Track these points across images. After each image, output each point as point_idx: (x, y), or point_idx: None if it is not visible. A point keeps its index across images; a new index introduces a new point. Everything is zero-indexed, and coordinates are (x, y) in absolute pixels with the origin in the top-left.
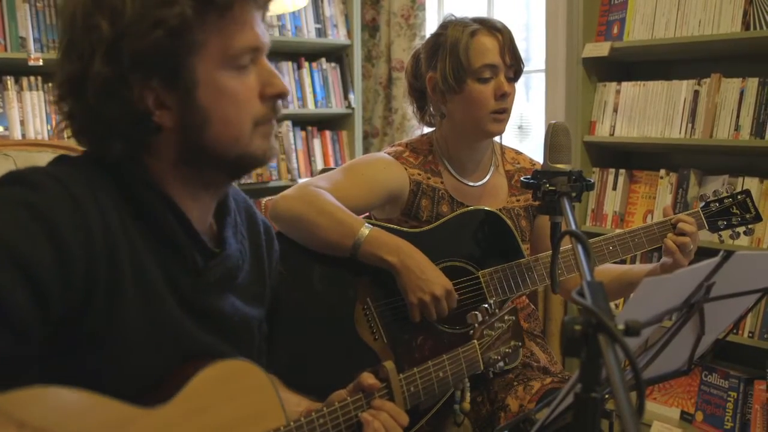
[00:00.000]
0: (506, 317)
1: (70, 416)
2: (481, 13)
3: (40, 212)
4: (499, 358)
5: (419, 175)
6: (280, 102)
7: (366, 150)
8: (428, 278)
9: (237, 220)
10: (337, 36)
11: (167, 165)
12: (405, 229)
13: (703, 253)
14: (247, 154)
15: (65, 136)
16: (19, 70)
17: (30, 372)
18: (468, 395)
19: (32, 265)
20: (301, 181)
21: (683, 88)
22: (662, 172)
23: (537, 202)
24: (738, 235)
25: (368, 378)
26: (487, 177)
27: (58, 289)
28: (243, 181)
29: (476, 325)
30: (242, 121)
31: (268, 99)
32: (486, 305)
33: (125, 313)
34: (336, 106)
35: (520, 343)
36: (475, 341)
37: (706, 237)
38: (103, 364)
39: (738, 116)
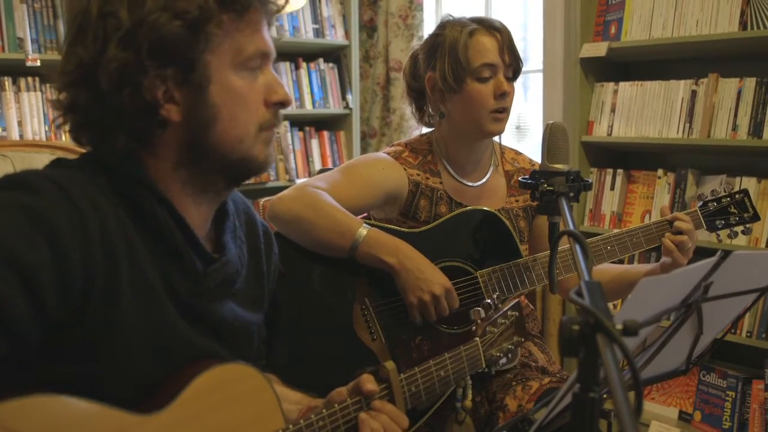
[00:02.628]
0: (509, 313)
1: (68, 427)
2: (479, 13)
3: (39, 216)
4: (501, 354)
5: (418, 175)
6: (281, 110)
7: (364, 150)
8: (427, 278)
9: (236, 224)
10: (335, 36)
11: (168, 166)
12: (403, 229)
13: (701, 252)
14: (249, 158)
15: (63, 132)
16: (16, 70)
17: (27, 377)
18: (470, 393)
19: (30, 268)
20: (299, 181)
21: (681, 88)
22: (660, 171)
23: (535, 203)
24: (736, 234)
25: (367, 382)
26: (486, 177)
27: (56, 293)
28: None
29: (478, 321)
30: (248, 122)
31: (271, 106)
32: (489, 301)
33: (123, 317)
34: (334, 107)
35: (522, 339)
36: (478, 339)
37: (704, 237)
38: (101, 368)
39: (735, 116)
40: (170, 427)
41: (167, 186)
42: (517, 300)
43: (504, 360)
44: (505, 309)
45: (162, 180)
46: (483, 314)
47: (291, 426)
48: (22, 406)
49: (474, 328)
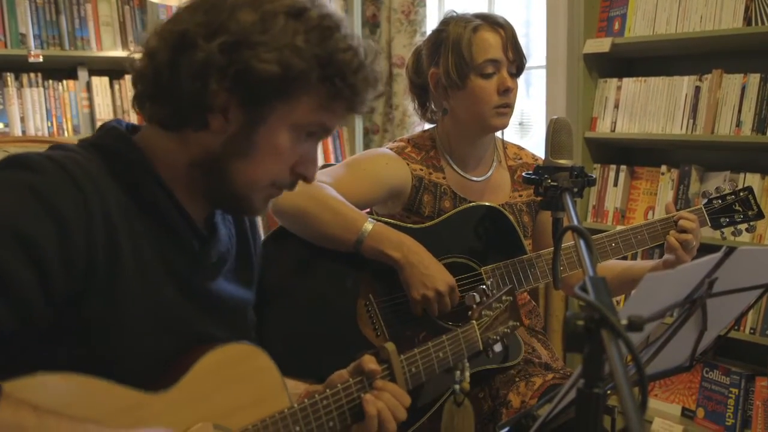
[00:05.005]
0: (504, 297)
1: (79, 401)
2: (482, 9)
3: (45, 196)
4: (498, 338)
5: (421, 170)
6: (297, 183)
7: (366, 147)
8: (431, 274)
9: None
10: None
11: (185, 160)
12: (407, 224)
13: (705, 249)
14: (247, 201)
15: (65, 129)
16: (19, 66)
17: (32, 359)
18: (467, 375)
19: (37, 244)
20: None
21: (684, 84)
22: (663, 168)
23: (539, 198)
24: (740, 231)
25: (369, 362)
26: (490, 172)
27: (61, 269)
28: None
29: (474, 305)
30: (268, 174)
31: (295, 174)
32: (483, 286)
33: (125, 298)
34: None
35: (518, 323)
36: (474, 322)
37: (708, 233)
38: (104, 350)
39: (740, 112)
40: (178, 404)
41: (175, 175)
42: (511, 285)
43: (499, 344)
44: (499, 293)
45: (172, 168)
46: (478, 299)
47: (296, 405)
48: (37, 382)
49: (470, 312)
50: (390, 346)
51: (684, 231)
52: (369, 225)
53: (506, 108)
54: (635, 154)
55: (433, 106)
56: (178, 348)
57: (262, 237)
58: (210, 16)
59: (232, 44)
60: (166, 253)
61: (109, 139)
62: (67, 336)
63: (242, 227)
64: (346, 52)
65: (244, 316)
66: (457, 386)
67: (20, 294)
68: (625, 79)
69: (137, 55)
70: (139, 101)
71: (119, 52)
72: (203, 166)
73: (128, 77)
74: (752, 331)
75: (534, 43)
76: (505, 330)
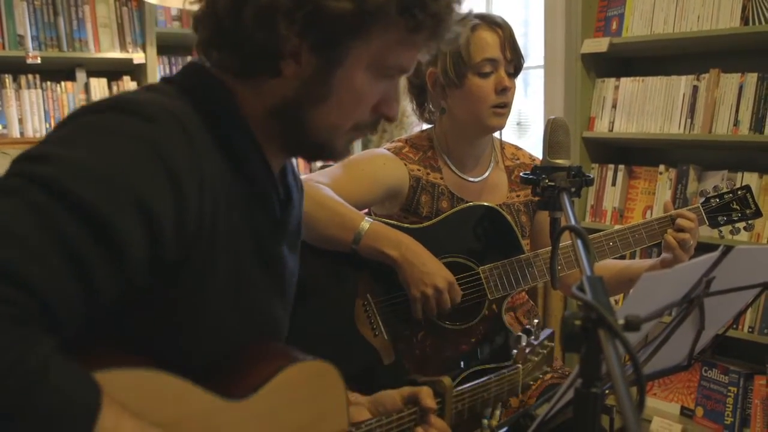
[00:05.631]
0: (546, 343)
1: (162, 403)
2: (480, 9)
3: (162, 153)
4: (533, 383)
5: (419, 170)
6: (382, 121)
7: (365, 147)
8: (430, 271)
9: (292, 165)
10: None
11: (262, 111)
12: (405, 224)
13: (703, 248)
14: (330, 146)
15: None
16: (17, 68)
17: (112, 329)
18: (497, 413)
19: (154, 209)
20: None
21: (682, 83)
22: (661, 167)
23: (537, 198)
24: (738, 230)
25: (428, 398)
26: (487, 173)
27: (173, 234)
28: None
29: (520, 347)
30: (349, 117)
31: (377, 113)
32: (529, 327)
33: (217, 268)
34: None
35: (549, 368)
36: (520, 366)
37: (705, 232)
38: (185, 329)
39: (737, 111)
40: (248, 418)
41: (255, 125)
42: (552, 330)
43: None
44: (543, 338)
45: (252, 118)
46: (525, 341)
47: (353, 429)
48: (126, 378)
49: (515, 353)
50: (447, 381)
51: (681, 230)
52: (366, 224)
53: (503, 108)
54: (633, 154)
55: (431, 106)
56: (252, 333)
57: None
58: None
59: None
60: (253, 222)
61: (199, 81)
62: (149, 311)
63: (300, 187)
64: None
65: (294, 284)
66: (485, 421)
67: (132, 265)
68: (623, 79)
69: None
70: (203, 48)
71: (117, 54)
72: (281, 114)
73: (126, 78)
74: (750, 329)
75: (532, 43)
76: (539, 375)
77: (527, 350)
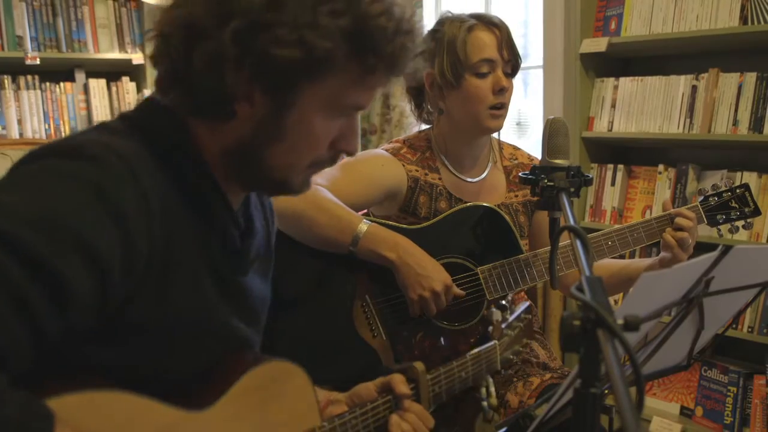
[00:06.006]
0: (523, 316)
1: (120, 422)
2: (479, 10)
3: (108, 197)
4: (513, 357)
5: (417, 171)
6: (339, 156)
7: (364, 147)
8: (428, 274)
9: (254, 196)
10: None
11: (218, 149)
12: (403, 225)
13: (702, 247)
14: (287, 183)
15: (62, 131)
16: (16, 69)
17: (75, 358)
18: (493, 390)
19: (100, 253)
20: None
21: (681, 83)
22: (660, 167)
23: (535, 198)
24: (737, 229)
25: (400, 384)
26: (485, 173)
27: (121, 274)
28: None
29: (495, 323)
30: (305, 156)
31: (335, 149)
32: (504, 303)
33: (174, 296)
34: None
35: (529, 340)
36: (496, 341)
37: (705, 231)
38: (147, 352)
39: (736, 111)
40: (216, 424)
41: (213, 162)
42: (529, 303)
43: (514, 359)
44: (519, 311)
45: (210, 154)
46: (500, 316)
47: (326, 424)
48: (79, 401)
49: (491, 329)
50: (419, 366)
51: (680, 229)
52: (364, 226)
53: (501, 109)
54: (632, 154)
55: (428, 107)
56: (217, 352)
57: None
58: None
59: (244, 29)
60: (209, 250)
61: (154, 118)
62: (110, 337)
63: (266, 216)
64: (379, 18)
65: (265, 310)
66: (485, 403)
67: (75, 304)
68: (622, 79)
69: (151, 36)
70: (159, 86)
71: (116, 54)
72: (237, 153)
73: (125, 79)
74: (750, 329)
75: (531, 43)
76: (519, 348)
77: (503, 325)
